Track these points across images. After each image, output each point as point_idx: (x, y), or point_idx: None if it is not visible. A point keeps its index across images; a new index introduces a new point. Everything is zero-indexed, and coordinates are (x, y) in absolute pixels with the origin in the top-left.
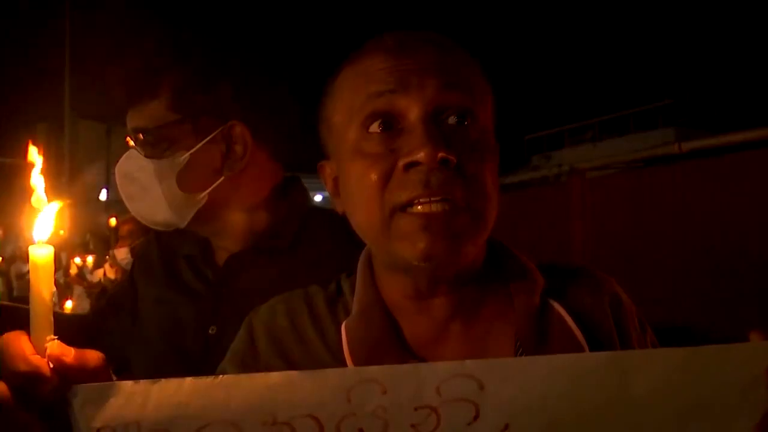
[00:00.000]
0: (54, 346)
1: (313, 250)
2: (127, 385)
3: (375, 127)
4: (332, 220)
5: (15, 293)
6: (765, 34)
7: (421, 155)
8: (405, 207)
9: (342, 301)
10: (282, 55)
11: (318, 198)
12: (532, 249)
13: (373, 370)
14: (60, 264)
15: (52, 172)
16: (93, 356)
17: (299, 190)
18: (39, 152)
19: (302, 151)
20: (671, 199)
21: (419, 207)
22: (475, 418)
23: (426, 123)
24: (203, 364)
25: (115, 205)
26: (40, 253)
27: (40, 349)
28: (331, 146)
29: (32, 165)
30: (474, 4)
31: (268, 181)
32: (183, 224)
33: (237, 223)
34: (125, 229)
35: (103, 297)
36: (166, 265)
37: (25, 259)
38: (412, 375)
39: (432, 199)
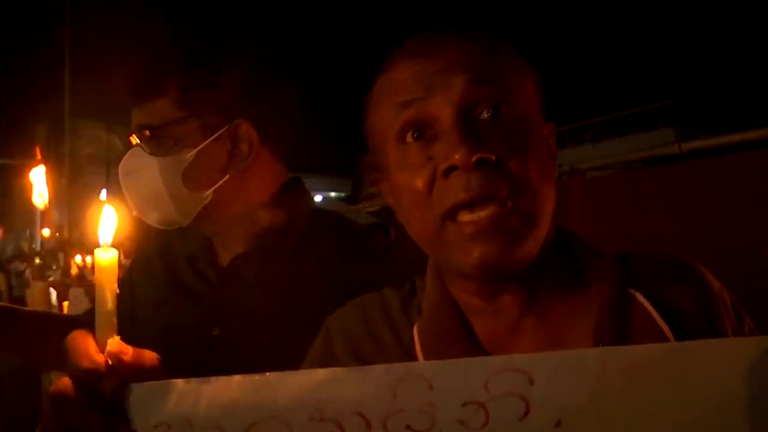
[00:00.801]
0: (114, 343)
1: (317, 251)
2: (179, 383)
3: (409, 137)
4: (336, 221)
5: (15, 292)
6: (764, 34)
7: (456, 159)
8: (453, 216)
9: (416, 301)
10: (289, 53)
11: (318, 198)
12: None
13: (419, 365)
14: (58, 264)
15: (52, 172)
16: (149, 356)
17: (302, 191)
18: (39, 156)
19: (305, 151)
20: (671, 199)
21: (465, 216)
22: (526, 413)
23: (458, 125)
24: (207, 365)
25: (115, 204)
26: (105, 257)
27: (104, 349)
28: (380, 160)
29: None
30: (471, 6)
31: (273, 181)
32: (186, 222)
33: (241, 224)
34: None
35: None
36: (166, 265)
37: (24, 258)
38: (458, 370)
39: (475, 204)
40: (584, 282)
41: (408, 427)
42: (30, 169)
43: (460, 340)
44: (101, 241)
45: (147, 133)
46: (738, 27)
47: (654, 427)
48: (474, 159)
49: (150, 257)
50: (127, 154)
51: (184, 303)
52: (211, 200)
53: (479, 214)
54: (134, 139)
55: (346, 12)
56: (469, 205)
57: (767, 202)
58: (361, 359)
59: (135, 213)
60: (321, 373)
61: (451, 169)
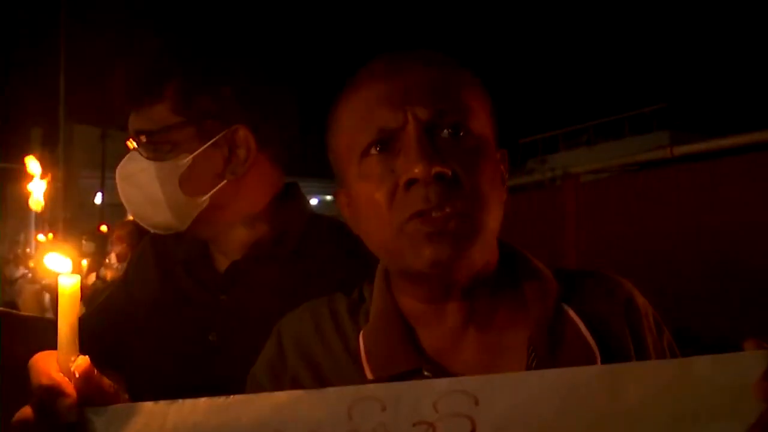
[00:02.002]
0: (83, 360)
1: (314, 258)
2: (148, 405)
3: (373, 150)
4: (333, 227)
5: (5, 296)
6: (759, 37)
7: (416, 172)
8: (410, 220)
9: (364, 307)
10: (285, 59)
11: (314, 201)
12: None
13: (373, 387)
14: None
15: (47, 176)
16: (107, 383)
17: (300, 198)
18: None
19: (301, 155)
20: (664, 202)
21: (421, 218)
22: None
23: (419, 140)
24: (205, 371)
25: (110, 209)
26: (68, 283)
27: (65, 369)
28: (340, 174)
29: (31, 176)
30: (468, 8)
31: (270, 186)
32: (183, 227)
33: (238, 229)
34: (119, 234)
35: (94, 303)
36: (162, 271)
37: (18, 262)
38: (410, 392)
39: (433, 213)
40: (523, 297)
41: None
42: (27, 176)
43: (404, 346)
44: (61, 269)
45: (144, 138)
46: (732, 31)
47: None
48: (433, 173)
49: (146, 262)
50: (125, 158)
51: (181, 309)
52: (208, 205)
53: (435, 215)
54: (131, 144)
55: (340, 20)
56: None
57: (759, 204)
58: (310, 363)
59: (132, 217)
60: (281, 396)
61: (411, 182)
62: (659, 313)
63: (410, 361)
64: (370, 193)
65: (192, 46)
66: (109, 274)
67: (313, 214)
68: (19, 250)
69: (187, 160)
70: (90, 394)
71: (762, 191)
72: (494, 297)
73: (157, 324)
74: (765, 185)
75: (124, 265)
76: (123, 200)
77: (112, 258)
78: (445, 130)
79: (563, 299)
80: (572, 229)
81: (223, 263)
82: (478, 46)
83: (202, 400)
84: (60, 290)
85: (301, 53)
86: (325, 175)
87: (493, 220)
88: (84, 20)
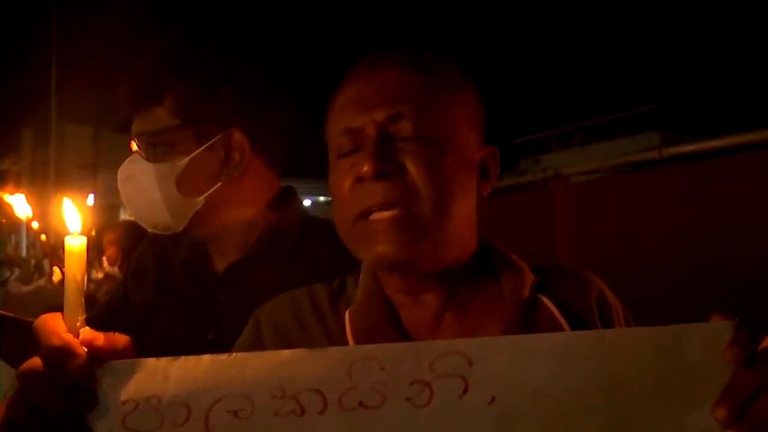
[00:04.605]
0: (85, 331)
1: (310, 259)
2: (151, 361)
3: (345, 149)
4: (327, 230)
5: None
6: (751, 39)
7: (363, 171)
8: (366, 215)
9: (344, 296)
10: (280, 65)
11: (306, 202)
12: (517, 253)
13: (372, 348)
14: (43, 271)
15: (38, 177)
16: (121, 339)
17: (295, 200)
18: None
19: (296, 158)
20: (655, 203)
21: (374, 216)
22: (465, 391)
23: (372, 141)
24: None
25: (101, 210)
26: (75, 243)
27: (73, 328)
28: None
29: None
30: (463, 9)
31: (266, 189)
32: (180, 227)
33: (236, 231)
34: (111, 237)
35: (92, 305)
36: (161, 271)
37: (11, 264)
38: (407, 352)
39: (381, 209)
40: (500, 286)
41: (361, 403)
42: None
43: (388, 326)
44: (70, 230)
45: (144, 140)
46: (725, 32)
47: (579, 403)
48: (375, 170)
49: (146, 263)
50: (127, 160)
51: (179, 308)
52: (205, 206)
53: (384, 215)
54: (134, 146)
55: (335, 24)
56: (378, 208)
57: (751, 204)
58: (287, 346)
59: (132, 217)
60: (283, 354)
61: (359, 180)
62: (651, 312)
63: (393, 339)
64: (335, 185)
65: (191, 51)
66: (99, 277)
67: (308, 216)
68: (11, 252)
69: (184, 161)
70: (104, 355)
71: (753, 191)
72: (472, 286)
73: (156, 322)
74: (756, 185)
75: (116, 268)
76: (124, 200)
77: (104, 262)
78: (404, 131)
79: (538, 289)
80: (564, 230)
81: (221, 264)
82: (471, 46)
83: (205, 357)
84: (67, 250)
85: (295, 58)
86: (318, 176)
87: (450, 218)
88: (75, 19)
